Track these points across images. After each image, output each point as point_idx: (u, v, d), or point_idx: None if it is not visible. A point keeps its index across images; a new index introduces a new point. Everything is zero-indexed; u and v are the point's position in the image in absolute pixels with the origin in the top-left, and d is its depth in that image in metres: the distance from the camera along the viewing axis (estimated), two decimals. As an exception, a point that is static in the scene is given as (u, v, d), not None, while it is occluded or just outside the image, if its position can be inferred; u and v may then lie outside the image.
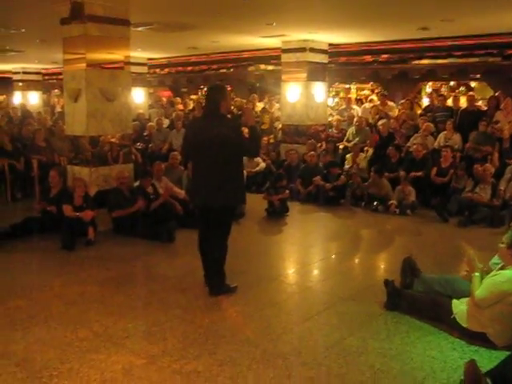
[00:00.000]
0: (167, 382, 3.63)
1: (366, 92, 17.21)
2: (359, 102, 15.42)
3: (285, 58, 12.30)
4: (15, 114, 16.41)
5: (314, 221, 9.05)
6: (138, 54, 14.64)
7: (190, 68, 18.02)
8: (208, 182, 5.05)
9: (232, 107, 13.50)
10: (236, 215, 7.92)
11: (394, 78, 14.32)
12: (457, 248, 7.24)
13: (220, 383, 3.62)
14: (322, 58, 12.36)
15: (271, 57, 14.36)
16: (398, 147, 10.31)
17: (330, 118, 13.41)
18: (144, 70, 16.47)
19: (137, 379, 3.66)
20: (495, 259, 4.76)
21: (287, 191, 9.25)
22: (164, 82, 19.46)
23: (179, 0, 8.18)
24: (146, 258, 6.69)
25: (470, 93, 12.31)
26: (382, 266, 6.84)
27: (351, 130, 11.80)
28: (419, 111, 12.59)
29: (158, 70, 18.73)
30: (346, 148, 11.48)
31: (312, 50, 11.97)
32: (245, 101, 15.24)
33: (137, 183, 8.22)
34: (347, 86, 17.24)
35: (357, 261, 7.09)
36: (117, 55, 8.03)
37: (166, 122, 13.78)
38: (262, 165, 11.15)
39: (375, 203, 9.23)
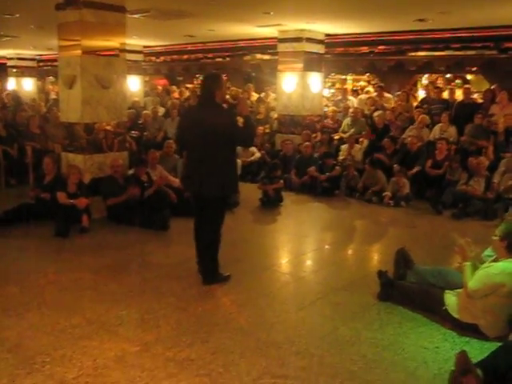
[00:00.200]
0: (160, 369, 3.64)
1: (362, 83, 17.17)
2: (355, 93, 15.39)
3: (281, 47, 12.25)
4: (9, 100, 16.30)
5: (308, 211, 9.06)
6: (134, 42, 14.55)
7: (185, 56, 17.94)
8: (201, 170, 5.05)
9: (228, 96, 13.45)
10: (230, 204, 7.94)
11: (390, 70, 14.31)
12: (450, 240, 7.25)
13: (213, 371, 3.63)
14: (319, 49, 12.31)
15: (267, 46, 14.30)
16: (393, 139, 10.31)
17: (325, 109, 13.39)
18: (140, 57, 16.37)
19: (130, 366, 3.66)
20: (488, 251, 4.78)
21: (281, 181, 9.25)
22: (160, 70, 19.38)
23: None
24: (140, 246, 6.69)
25: (466, 85, 12.32)
26: (376, 257, 6.86)
27: (347, 120, 11.78)
28: (415, 103, 12.58)
29: (153, 58, 18.64)
30: (341, 139, 11.46)
31: (308, 40, 11.92)
32: (240, 90, 15.19)
33: (131, 171, 8.20)
34: (343, 76, 17.21)
35: (350, 251, 7.11)
36: (112, 42, 7.98)
37: (161, 111, 13.74)
38: (257, 154, 11.16)
39: (369, 191, 9.26)
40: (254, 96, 15.13)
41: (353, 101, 13.48)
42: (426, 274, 4.96)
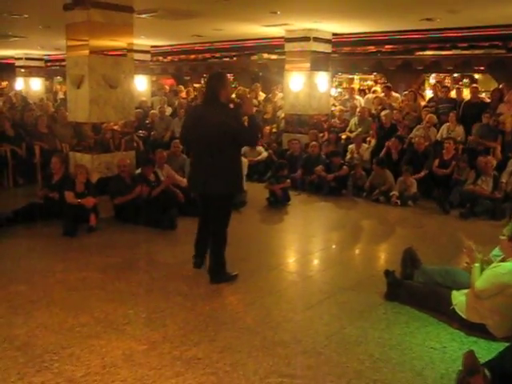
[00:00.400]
0: (167, 367, 3.65)
1: (369, 83, 17.17)
2: (362, 92, 15.38)
3: (288, 47, 12.23)
4: (17, 100, 16.38)
5: (316, 211, 9.05)
6: (141, 42, 14.57)
7: (193, 56, 17.96)
8: (205, 169, 5.07)
9: (233, 96, 13.46)
10: (237, 204, 7.96)
11: (398, 69, 14.28)
12: (458, 240, 7.24)
13: (220, 370, 3.64)
14: (326, 48, 12.29)
15: (275, 46, 14.30)
16: (401, 138, 10.28)
17: (332, 108, 13.37)
18: (147, 57, 16.39)
19: (137, 365, 3.68)
20: (496, 251, 4.77)
21: (288, 180, 9.25)
22: (167, 69, 19.42)
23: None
24: (148, 245, 6.71)
25: (474, 85, 12.27)
26: (383, 257, 6.85)
27: (354, 120, 11.77)
28: (423, 103, 12.54)
29: (161, 58, 18.67)
30: (348, 138, 11.46)
31: (316, 39, 11.90)
32: (248, 90, 15.20)
33: (138, 171, 8.23)
34: (350, 76, 17.19)
35: (357, 251, 7.10)
36: (120, 42, 8.01)
37: (168, 110, 13.77)
38: (264, 154, 11.15)
39: (377, 191, 9.24)
40: (262, 95, 15.15)
41: (360, 100, 13.46)
42: (433, 273, 4.95)
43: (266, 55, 16.03)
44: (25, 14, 10.55)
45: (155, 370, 3.62)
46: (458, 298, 4.41)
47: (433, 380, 3.60)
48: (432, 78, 15.96)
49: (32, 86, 20.05)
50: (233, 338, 4.10)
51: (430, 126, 10.51)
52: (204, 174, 5.09)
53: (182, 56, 18.23)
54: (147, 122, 12.95)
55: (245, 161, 9.43)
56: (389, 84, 13.83)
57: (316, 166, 9.95)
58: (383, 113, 11.35)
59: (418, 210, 8.75)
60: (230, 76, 18.84)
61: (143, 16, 9.78)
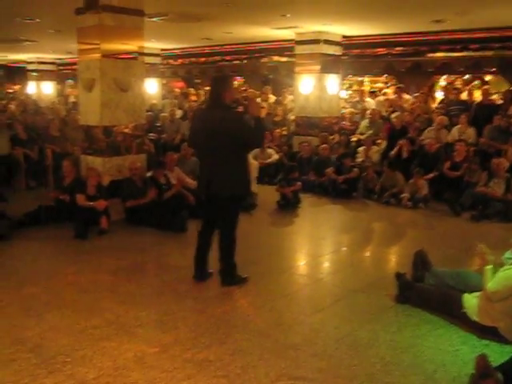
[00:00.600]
0: (179, 370, 3.67)
1: (380, 85, 17.10)
2: (372, 94, 15.34)
3: (298, 49, 12.25)
4: (29, 104, 16.50)
5: (326, 213, 9.04)
6: (152, 45, 14.64)
7: (203, 59, 17.98)
8: (211, 171, 5.09)
9: (240, 98, 13.46)
10: (247, 206, 7.97)
11: (408, 71, 14.20)
12: (469, 242, 7.19)
13: (231, 372, 3.64)
14: (336, 50, 12.30)
15: (285, 48, 14.29)
16: (412, 140, 10.25)
17: (342, 111, 13.36)
18: (157, 60, 16.49)
19: (149, 367, 3.70)
20: (508, 254, 4.75)
21: (299, 183, 9.24)
22: (177, 72, 19.44)
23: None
24: (159, 248, 6.74)
25: (485, 86, 12.20)
26: (394, 259, 6.83)
27: (364, 122, 11.75)
28: (433, 105, 12.49)
29: (171, 61, 18.71)
30: (358, 141, 11.44)
31: (326, 41, 11.91)
32: (258, 92, 15.22)
33: (149, 173, 8.26)
34: (360, 78, 17.15)
35: (368, 253, 7.09)
36: (131, 45, 8.05)
37: (178, 113, 13.82)
38: (275, 156, 11.14)
39: (387, 193, 9.22)
40: (272, 98, 15.15)
41: (370, 102, 13.43)
42: (444, 276, 4.92)
43: (276, 58, 16.02)
44: (37, 19, 10.66)
45: (167, 372, 3.63)
46: (470, 301, 4.38)
47: (445, 383, 3.59)
48: (443, 80, 15.87)
49: (44, 90, 20.20)
50: (244, 341, 4.11)
51: (441, 127, 10.47)
52: (209, 175, 5.11)
53: (192, 59, 18.27)
54: (158, 124, 13.00)
55: (255, 163, 9.45)
56: (401, 85, 13.80)
57: (326, 168, 9.95)
58: (394, 115, 11.32)
59: (428, 213, 8.72)
60: (240, 79, 18.92)
61: (154, 19, 9.84)
